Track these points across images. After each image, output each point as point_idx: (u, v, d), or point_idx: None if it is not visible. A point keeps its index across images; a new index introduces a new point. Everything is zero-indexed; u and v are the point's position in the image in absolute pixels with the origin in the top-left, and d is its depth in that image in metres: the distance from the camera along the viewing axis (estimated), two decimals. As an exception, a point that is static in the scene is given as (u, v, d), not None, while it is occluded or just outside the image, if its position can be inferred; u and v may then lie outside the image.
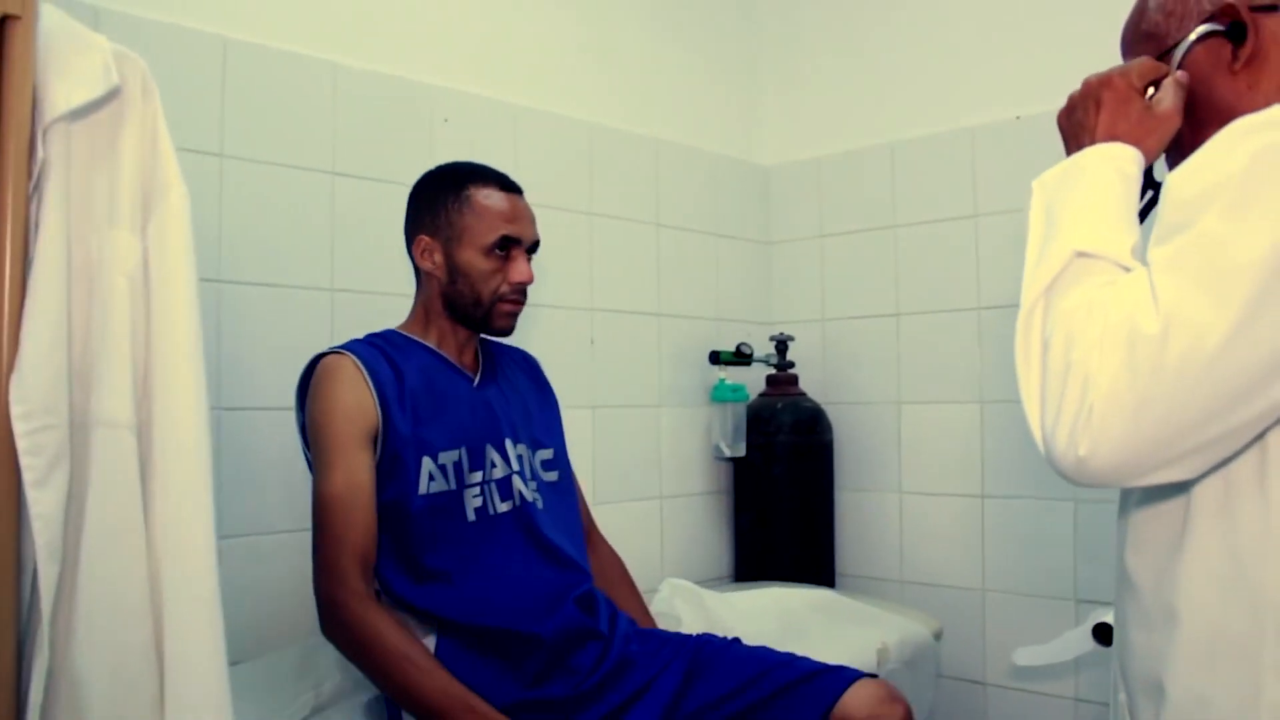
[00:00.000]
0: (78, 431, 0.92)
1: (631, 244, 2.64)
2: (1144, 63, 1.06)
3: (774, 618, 2.12)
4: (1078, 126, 1.06)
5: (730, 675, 1.64)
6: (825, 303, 2.90)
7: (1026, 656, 1.99)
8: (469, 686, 1.48)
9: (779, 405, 2.72)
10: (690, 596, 2.08)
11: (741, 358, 2.73)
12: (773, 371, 2.80)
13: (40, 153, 0.90)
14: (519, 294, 1.71)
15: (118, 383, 0.92)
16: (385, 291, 2.07)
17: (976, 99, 2.62)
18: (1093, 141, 1.03)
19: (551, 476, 1.79)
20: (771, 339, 2.81)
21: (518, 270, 1.69)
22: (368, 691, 1.64)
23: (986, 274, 2.57)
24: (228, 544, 1.87)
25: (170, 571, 0.94)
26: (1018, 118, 2.51)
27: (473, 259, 1.67)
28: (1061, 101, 1.11)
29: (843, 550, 2.81)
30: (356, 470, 1.54)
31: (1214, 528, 0.94)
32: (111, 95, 0.93)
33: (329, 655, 1.66)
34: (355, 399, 1.57)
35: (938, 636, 2.30)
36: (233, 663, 1.79)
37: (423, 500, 1.58)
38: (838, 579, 2.77)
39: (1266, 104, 0.94)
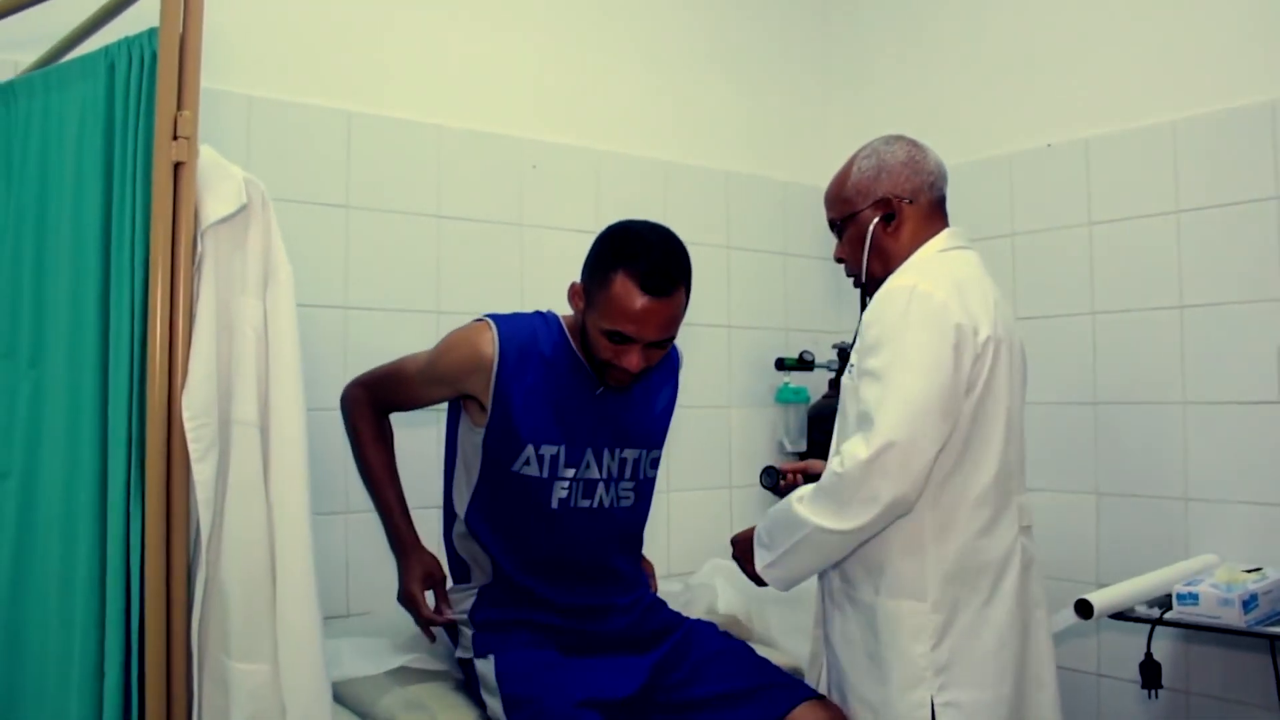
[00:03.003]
0: (223, 427, 1.40)
1: (703, 265, 2.98)
2: (742, 543, 1.89)
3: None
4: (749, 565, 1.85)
5: (704, 662, 1.88)
6: (885, 313, 3.20)
7: None
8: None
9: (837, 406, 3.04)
10: (728, 573, 2.44)
11: (803, 364, 3.07)
12: (834, 375, 3.12)
13: (199, 247, 1.38)
14: (625, 374, 1.82)
15: (247, 395, 1.40)
16: (484, 311, 2.50)
17: (1012, 129, 2.88)
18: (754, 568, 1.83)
19: (654, 473, 1.99)
20: (834, 346, 3.13)
21: (626, 359, 1.79)
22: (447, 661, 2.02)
23: (1022, 288, 2.83)
24: (345, 519, 2.32)
25: (280, 518, 1.41)
26: (1049, 145, 2.77)
27: (593, 328, 1.80)
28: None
29: (897, 536, 3.11)
30: (425, 386, 1.93)
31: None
32: (242, 209, 1.39)
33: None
34: (461, 369, 1.84)
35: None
36: (342, 615, 2.24)
37: (515, 475, 1.84)
38: (892, 562, 3.07)
39: (900, 250, 1.83)
